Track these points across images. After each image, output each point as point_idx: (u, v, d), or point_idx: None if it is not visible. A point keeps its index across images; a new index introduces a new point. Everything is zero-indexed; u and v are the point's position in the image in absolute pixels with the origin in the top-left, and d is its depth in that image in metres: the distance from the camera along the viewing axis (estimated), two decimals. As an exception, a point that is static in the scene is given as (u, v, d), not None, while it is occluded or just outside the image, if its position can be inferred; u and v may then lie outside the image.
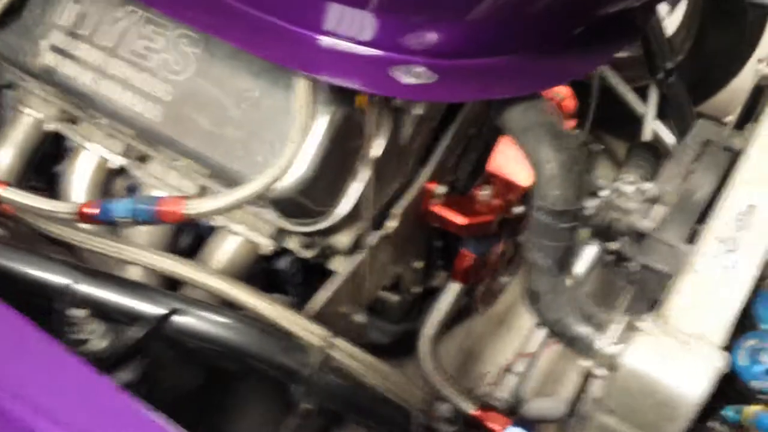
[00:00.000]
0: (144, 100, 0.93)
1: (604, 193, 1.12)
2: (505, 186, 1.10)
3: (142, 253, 0.86)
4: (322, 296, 0.95)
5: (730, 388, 0.77)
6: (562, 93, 1.21)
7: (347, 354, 0.87)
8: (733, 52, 1.51)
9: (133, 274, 0.94)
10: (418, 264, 1.17)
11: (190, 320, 0.81)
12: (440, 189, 1.07)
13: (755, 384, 0.77)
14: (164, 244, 1.01)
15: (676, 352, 0.76)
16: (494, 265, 1.23)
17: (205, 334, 0.82)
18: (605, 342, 0.78)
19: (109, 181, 1.06)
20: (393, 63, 0.74)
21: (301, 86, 0.79)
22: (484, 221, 1.07)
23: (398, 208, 1.03)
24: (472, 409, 1.19)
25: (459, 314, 1.38)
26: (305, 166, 0.85)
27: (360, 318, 1.05)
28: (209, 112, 0.90)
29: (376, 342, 1.22)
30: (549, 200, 0.79)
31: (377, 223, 1.02)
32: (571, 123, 1.20)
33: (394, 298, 1.17)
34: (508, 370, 1.15)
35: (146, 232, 0.99)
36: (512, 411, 1.10)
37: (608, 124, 1.52)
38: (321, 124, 0.84)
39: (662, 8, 1.46)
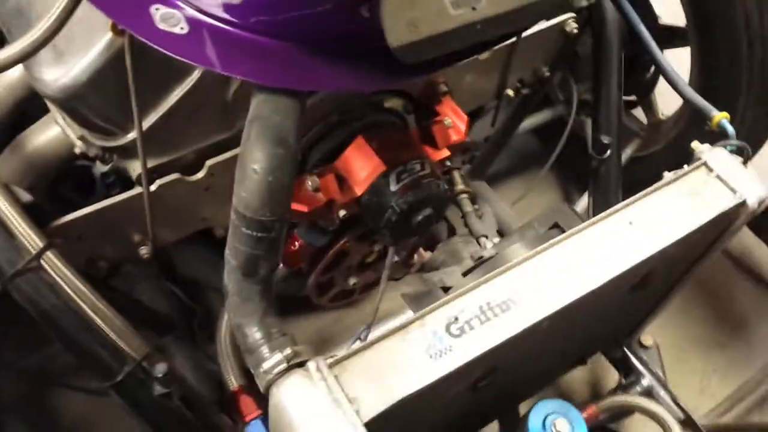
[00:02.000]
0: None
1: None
2: (339, 185, 1.04)
3: None
4: (85, 210, 0.94)
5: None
6: (453, 120, 1.14)
7: (58, 271, 0.85)
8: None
9: None
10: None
11: None
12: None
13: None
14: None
15: (321, 406, 0.71)
16: (328, 261, 1.18)
17: None
18: (269, 364, 0.73)
19: None
20: (156, 2, 0.69)
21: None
22: (298, 210, 1.01)
23: (212, 161, 0.99)
24: (233, 386, 1.16)
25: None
26: (78, 72, 0.82)
27: (144, 252, 1.03)
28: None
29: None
30: (237, 199, 0.74)
31: (188, 168, 0.99)
32: (442, 153, 1.12)
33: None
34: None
35: None
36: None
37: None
38: (104, 40, 0.80)
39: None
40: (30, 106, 1.01)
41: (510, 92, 1.32)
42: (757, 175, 1.01)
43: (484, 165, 1.56)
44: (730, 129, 1.06)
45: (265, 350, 0.74)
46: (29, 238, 0.84)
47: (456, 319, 0.79)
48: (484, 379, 0.86)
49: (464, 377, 0.81)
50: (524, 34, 1.23)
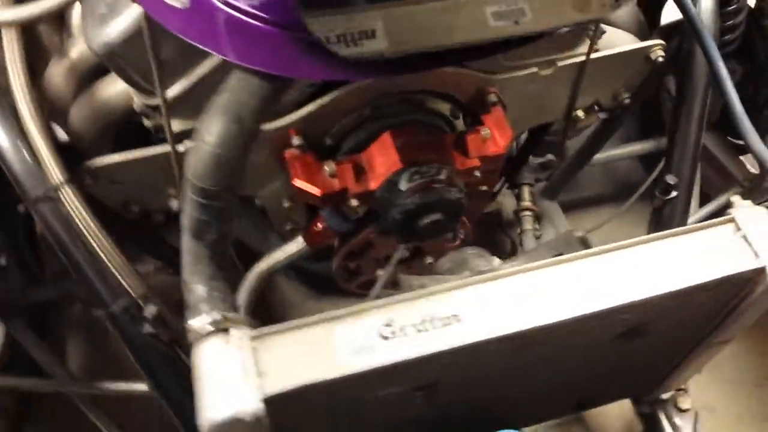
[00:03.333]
0: None
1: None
2: (357, 176, 1.06)
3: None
4: (115, 158, 1.03)
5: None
6: (494, 132, 1.10)
7: (73, 206, 0.95)
8: None
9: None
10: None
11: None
12: (296, 140, 1.06)
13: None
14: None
15: (229, 373, 0.74)
16: (350, 249, 1.20)
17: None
18: (197, 323, 0.78)
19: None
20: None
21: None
22: (311, 192, 1.04)
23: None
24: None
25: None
26: (114, 32, 0.91)
27: (175, 205, 1.12)
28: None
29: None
30: (187, 164, 0.77)
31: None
32: (472, 163, 1.09)
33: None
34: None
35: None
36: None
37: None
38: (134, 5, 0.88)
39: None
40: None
41: (580, 113, 1.25)
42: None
43: (557, 186, 1.49)
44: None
45: (200, 309, 0.79)
46: (52, 170, 0.95)
47: (392, 322, 0.79)
48: (423, 390, 0.85)
49: (389, 382, 0.80)
50: (599, 55, 1.17)
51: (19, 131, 0.96)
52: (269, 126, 1.06)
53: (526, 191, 1.48)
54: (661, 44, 1.18)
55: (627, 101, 1.25)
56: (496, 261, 1.07)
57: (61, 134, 1.02)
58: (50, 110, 1.15)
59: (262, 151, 1.09)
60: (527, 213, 1.46)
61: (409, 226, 1.03)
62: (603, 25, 1.32)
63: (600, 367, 1.04)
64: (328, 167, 1.05)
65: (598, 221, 1.61)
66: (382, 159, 1.06)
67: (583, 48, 1.16)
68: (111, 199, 1.08)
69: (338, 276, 1.31)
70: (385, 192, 1.04)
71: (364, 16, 0.79)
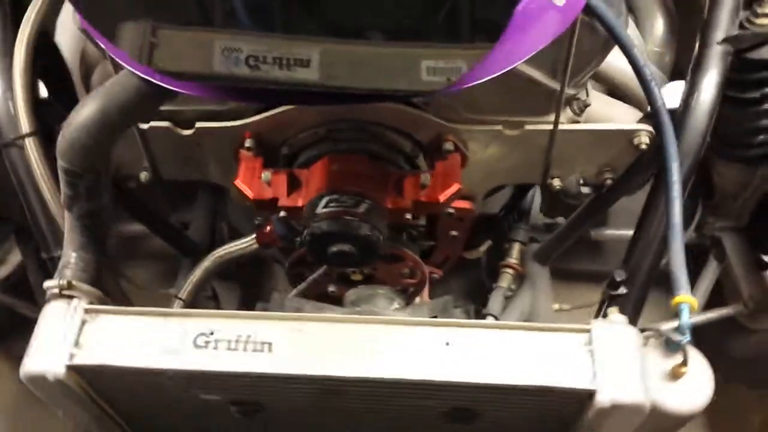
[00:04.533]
0: None
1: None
2: (291, 189, 1.10)
3: None
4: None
5: None
6: (437, 181, 1.10)
7: (35, 157, 1.07)
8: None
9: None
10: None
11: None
12: (249, 142, 1.12)
13: None
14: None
15: (53, 337, 0.83)
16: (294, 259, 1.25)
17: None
18: (49, 284, 0.87)
19: None
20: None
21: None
22: (245, 193, 1.10)
23: (201, 124, 1.13)
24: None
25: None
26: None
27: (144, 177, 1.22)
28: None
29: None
30: (58, 142, 0.85)
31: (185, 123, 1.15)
32: (402, 204, 1.09)
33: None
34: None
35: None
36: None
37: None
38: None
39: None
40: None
41: (556, 184, 1.21)
42: (661, 378, 0.83)
43: (548, 252, 1.44)
44: (685, 319, 0.86)
45: (61, 273, 0.88)
46: (23, 119, 1.07)
47: (211, 333, 0.83)
48: (241, 406, 0.88)
49: (199, 388, 0.85)
50: (571, 128, 1.12)
51: (9, 85, 1.09)
52: (227, 124, 1.13)
53: (515, 248, 1.44)
54: (647, 130, 1.12)
55: (608, 182, 1.19)
56: (397, 305, 1.07)
57: (43, 89, 1.15)
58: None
59: (225, 146, 1.17)
60: (508, 270, 1.42)
61: (319, 250, 1.07)
62: (602, 96, 1.26)
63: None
64: (265, 175, 1.10)
65: (589, 298, 1.54)
66: (314, 180, 1.09)
67: (562, 116, 1.12)
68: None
69: (290, 280, 1.36)
70: (308, 212, 1.08)
71: (304, 45, 0.82)
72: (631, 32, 1.27)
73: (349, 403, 0.87)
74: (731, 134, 1.22)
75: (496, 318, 1.35)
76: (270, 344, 0.83)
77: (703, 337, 1.00)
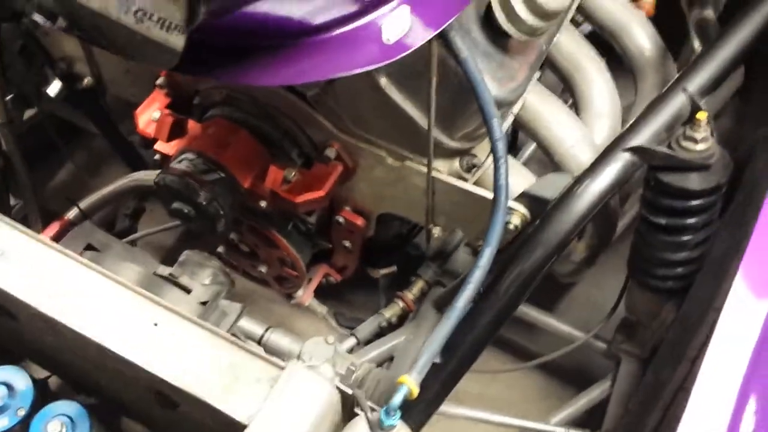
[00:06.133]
0: None
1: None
2: (172, 136, 1.12)
3: None
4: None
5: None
6: (303, 183, 1.07)
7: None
8: None
9: None
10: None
11: None
12: (161, 80, 1.16)
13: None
14: None
15: None
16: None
17: None
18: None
19: None
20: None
21: None
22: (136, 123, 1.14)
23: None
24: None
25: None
26: None
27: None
28: None
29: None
30: None
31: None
32: (258, 189, 1.07)
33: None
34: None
35: None
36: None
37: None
38: None
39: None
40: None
41: (435, 232, 1.14)
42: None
43: (446, 299, 1.36)
44: (396, 401, 0.78)
45: None
46: None
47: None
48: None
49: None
50: (450, 181, 1.07)
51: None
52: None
53: (417, 285, 1.35)
54: (520, 213, 1.02)
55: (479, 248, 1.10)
56: (207, 281, 1.05)
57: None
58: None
59: (146, 78, 1.21)
60: (398, 303, 1.35)
61: (164, 200, 1.08)
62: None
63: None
64: (154, 114, 1.13)
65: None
66: (190, 135, 1.11)
67: (437, 163, 1.06)
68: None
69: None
70: (170, 162, 1.09)
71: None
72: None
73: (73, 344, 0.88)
74: (645, 258, 1.10)
75: (358, 342, 1.30)
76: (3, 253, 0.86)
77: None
